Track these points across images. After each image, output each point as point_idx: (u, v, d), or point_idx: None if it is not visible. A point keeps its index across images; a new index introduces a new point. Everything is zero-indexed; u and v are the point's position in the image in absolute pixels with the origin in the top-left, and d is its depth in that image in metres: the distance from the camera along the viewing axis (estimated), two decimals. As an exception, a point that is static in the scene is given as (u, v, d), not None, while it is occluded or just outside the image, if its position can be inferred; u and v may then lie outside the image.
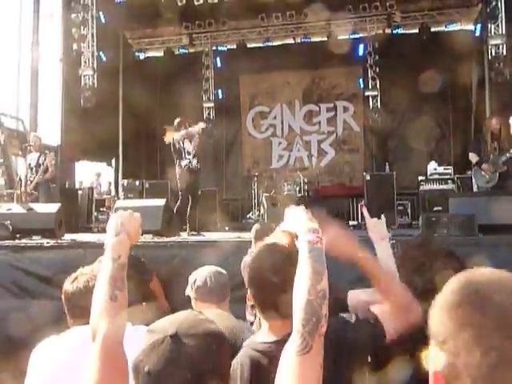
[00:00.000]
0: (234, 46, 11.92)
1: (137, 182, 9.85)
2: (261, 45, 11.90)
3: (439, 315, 0.75)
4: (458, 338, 0.70)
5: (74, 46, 9.69)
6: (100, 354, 1.16)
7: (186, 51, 12.24)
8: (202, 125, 6.80)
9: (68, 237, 5.78)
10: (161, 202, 5.88)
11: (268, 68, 11.62)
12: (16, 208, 5.88)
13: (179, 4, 9.77)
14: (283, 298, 1.40)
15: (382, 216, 1.96)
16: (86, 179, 11.54)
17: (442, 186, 8.50)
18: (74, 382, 1.38)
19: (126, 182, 10.03)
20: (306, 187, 9.38)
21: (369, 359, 1.48)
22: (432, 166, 8.98)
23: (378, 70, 10.81)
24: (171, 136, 6.67)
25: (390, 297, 1.48)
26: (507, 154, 6.07)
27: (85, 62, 9.68)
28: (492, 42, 8.81)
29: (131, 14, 10.19)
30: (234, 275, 2.72)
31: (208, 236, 6.30)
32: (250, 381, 1.38)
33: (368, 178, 8.44)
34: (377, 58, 10.82)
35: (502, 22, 8.72)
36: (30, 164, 7.22)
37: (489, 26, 8.91)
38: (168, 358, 0.97)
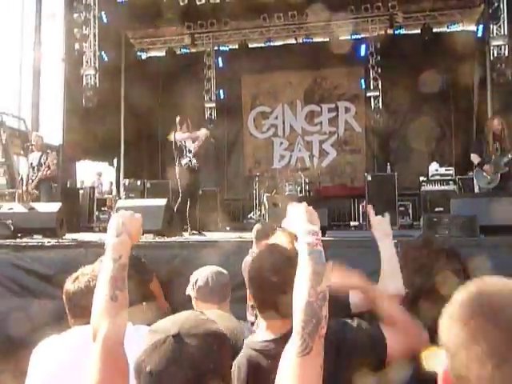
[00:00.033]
0: (236, 46, 11.93)
1: (138, 182, 9.87)
2: (262, 45, 11.91)
3: (450, 325, 0.74)
4: (471, 350, 0.69)
5: (76, 46, 9.69)
6: (101, 354, 1.16)
7: (188, 51, 12.25)
8: (205, 132, 6.80)
9: (69, 236, 5.78)
10: (162, 201, 5.87)
11: (270, 68, 11.62)
12: (17, 207, 5.88)
13: (181, 4, 9.77)
14: (282, 298, 1.40)
15: (386, 214, 1.99)
16: (87, 179, 11.56)
17: (443, 187, 8.50)
18: (75, 382, 1.38)
19: (127, 181, 10.04)
20: (307, 187, 9.38)
21: (369, 361, 1.48)
22: (433, 167, 8.98)
23: (379, 70, 10.81)
24: (173, 135, 6.68)
25: (401, 331, 1.49)
26: (509, 155, 6.06)
27: (87, 62, 9.69)
28: (494, 42, 8.80)
29: (133, 13, 10.20)
30: (234, 275, 2.72)
31: (209, 236, 6.29)
32: (247, 381, 1.38)
33: (369, 178, 8.44)
34: (378, 58, 10.83)
35: (504, 22, 8.71)
36: (31, 163, 7.22)
37: (491, 26, 8.90)
38: (170, 358, 0.97)
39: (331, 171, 11.71)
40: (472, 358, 0.69)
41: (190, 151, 6.60)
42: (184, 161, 6.55)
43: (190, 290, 2.40)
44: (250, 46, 11.83)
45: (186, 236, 6.14)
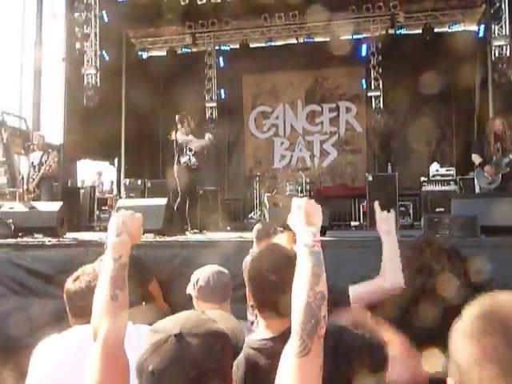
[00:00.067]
0: (237, 46, 11.91)
1: (139, 181, 9.87)
2: (263, 45, 11.89)
3: (463, 342, 0.74)
4: (483, 369, 0.69)
5: (77, 45, 9.69)
6: (101, 354, 1.16)
7: (189, 51, 12.24)
8: (209, 138, 6.80)
9: (70, 235, 5.79)
10: (162, 201, 5.87)
11: (271, 68, 11.61)
12: (18, 206, 5.89)
13: (182, 3, 9.77)
14: (282, 297, 1.41)
15: (392, 211, 2.09)
16: (87, 178, 11.56)
17: (444, 187, 8.50)
18: (75, 382, 1.38)
19: (128, 181, 10.04)
20: (307, 187, 9.37)
21: (366, 363, 1.48)
22: (434, 167, 8.98)
23: (380, 70, 10.79)
24: (174, 134, 6.68)
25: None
26: (510, 156, 6.05)
27: (87, 61, 9.69)
28: (495, 43, 8.79)
29: (134, 13, 10.20)
30: (235, 275, 2.72)
31: (210, 236, 6.29)
32: (245, 380, 1.39)
33: (370, 178, 8.44)
34: (380, 58, 10.81)
35: (505, 22, 8.70)
36: (32, 162, 7.23)
37: (492, 26, 8.89)
38: (172, 358, 0.97)
39: (332, 171, 11.70)
40: (484, 377, 0.69)
41: (190, 149, 6.61)
42: (183, 159, 6.54)
43: (191, 290, 2.40)
44: (251, 45, 11.81)
45: (187, 235, 6.14)
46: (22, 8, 11.80)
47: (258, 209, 9.58)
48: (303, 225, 1.28)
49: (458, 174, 8.80)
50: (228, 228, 8.86)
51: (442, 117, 11.04)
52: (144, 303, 3.56)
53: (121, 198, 9.62)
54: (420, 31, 10.79)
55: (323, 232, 5.33)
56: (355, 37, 11.31)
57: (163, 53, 12.27)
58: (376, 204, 2.12)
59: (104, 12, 9.99)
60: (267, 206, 8.37)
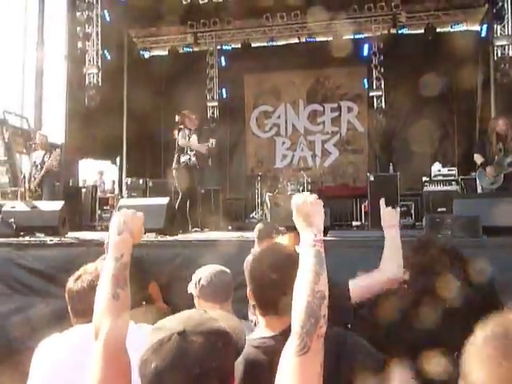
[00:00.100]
0: (239, 46, 11.92)
1: (140, 181, 9.87)
2: (265, 44, 11.89)
3: (478, 365, 0.73)
4: None
5: (79, 45, 9.71)
6: (103, 353, 1.16)
7: (191, 50, 12.24)
8: (208, 146, 6.79)
9: (71, 235, 5.78)
10: (164, 200, 5.87)
11: (272, 67, 11.61)
12: (20, 206, 5.89)
13: (184, 3, 9.78)
14: (282, 296, 1.42)
15: (397, 208, 2.25)
16: (89, 177, 11.57)
17: (445, 187, 8.49)
18: (77, 381, 1.38)
19: (129, 180, 10.05)
20: (309, 187, 9.36)
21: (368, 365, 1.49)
22: (436, 167, 8.96)
23: (382, 70, 10.78)
24: (176, 133, 6.67)
25: None
26: (512, 156, 6.04)
27: (89, 61, 9.70)
28: (498, 42, 8.79)
29: (136, 12, 10.20)
30: (236, 275, 2.71)
31: (211, 235, 6.29)
32: (245, 378, 1.39)
33: (372, 178, 8.43)
34: (381, 58, 10.80)
35: (508, 22, 8.70)
36: (35, 162, 7.23)
37: (495, 26, 8.89)
38: (176, 355, 0.98)
39: (333, 171, 11.70)
40: None
41: (191, 150, 6.59)
42: (183, 158, 6.52)
43: (193, 289, 2.40)
44: (252, 45, 11.81)
45: (188, 235, 6.14)
46: (24, 7, 11.80)
47: (260, 208, 9.58)
48: (305, 224, 1.28)
49: (460, 174, 8.78)
50: (229, 228, 8.84)
51: (443, 117, 11.02)
52: (144, 303, 3.56)
53: (122, 197, 9.63)
54: (422, 31, 10.78)
55: (325, 232, 5.32)
56: (357, 36, 11.31)
57: (165, 52, 12.28)
58: (382, 200, 2.25)
59: (106, 11, 10.01)
60: (268, 205, 8.36)
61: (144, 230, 1.39)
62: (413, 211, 9.05)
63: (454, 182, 8.55)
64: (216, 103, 11.68)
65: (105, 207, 9.91)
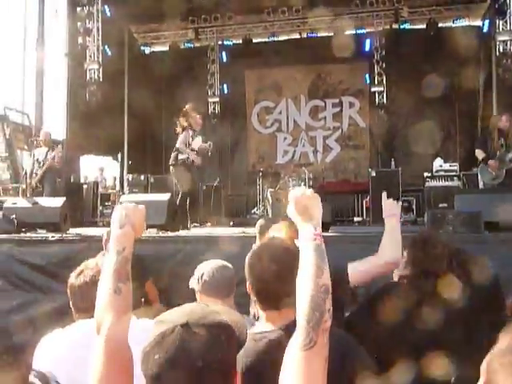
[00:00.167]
0: (240, 41, 11.87)
1: (142, 177, 9.87)
2: (266, 40, 11.85)
3: (504, 375, 0.72)
4: None
5: (80, 40, 9.69)
6: (105, 348, 1.16)
7: (192, 46, 12.20)
8: (209, 144, 6.78)
9: (73, 231, 5.79)
10: (165, 196, 5.87)
11: (273, 63, 11.58)
12: (21, 202, 5.90)
13: (185, -2, 9.75)
14: (282, 287, 1.42)
15: (400, 201, 2.34)
16: (90, 174, 11.58)
17: (447, 183, 8.46)
18: (79, 376, 1.38)
19: (130, 176, 10.05)
20: (310, 183, 9.34)
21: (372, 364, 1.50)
22: (438, 163, 8.94)
23: (384, 65, 10.74)
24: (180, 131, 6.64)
25: None
26: (514, 151, 6.03)
27: (90, 56, 9.68)
28: (500, 38, 8.75)
29: (136, 7, 10.17)
30: (237, 270, 2.71)
31: (212, 231, 6.29)
32: (245, 372, 1.39)
33: (373, 174, 8.42)
34: (383, 53, 10.75)
35: (510, 17, 8.66)
36: (37, 159, 7.24)
37: (497, 21, 8.85)
38: (179, 348, 0.98)
39: (335, 167, 11.69)
40: None
41: (192, 150, 6.54)
42: (182, 156, 6.47)
43: (195, 284, 2.40)
44: (253, 40, 11.76)
45: (189, 231, 6.14)
46: (25, 2, 11.80)
47: (261, 204, 9.58)
48: (304, 218, 1.27)
49: (462, 170, 8.76)
50: (231, 223, 8.85)
51: (445, 113, 10.99)
52: (143, 299, 3.56)
53: (124, 193, 9.63)
54: (424, 26, 10.73)
55: (326, 228, 5.32)
56: (359, 32, 11.26)
57: (166, 48, 12.25)
58: (384, 193, 2.31)
59: (106, 6, 9.98)
60: (270, 201, 8.38)
61: (146, 225, 1.39)
62: (414, 207, 9.03)
63: (455, 178, 8.54)
64: (217, 99, 11.64)
65: (106, 203, 9.92)
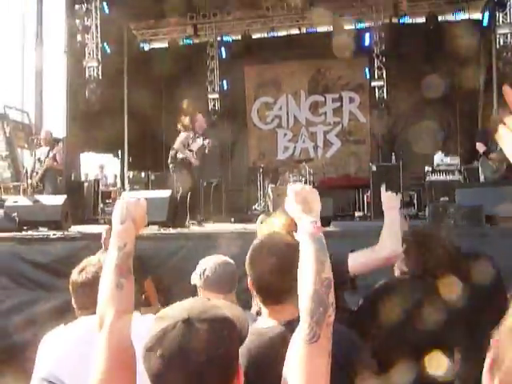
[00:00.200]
0: (239, 37, 11.85)
1: (142, 174, 9.88)
2: (266, 35, 11.83)
3: None
4: None
5: (78, 38, 9.66)
6: (107, 343, 1.16)
7: (191, 42, 12.18)
8: (208, 142, 6.77)
9: (74, 228, 5.80)
10: (166, 193, 5.88)
11: (273, 58, 11.55)
12: (22, 200, 5.91)
13: (184, -6, 9.71)
14: (283, 281, 1.42)
15: (399, 194, 2.32)
16: (91, 171, 11.57)
17: (448, 177, 8.45)
18: (82, 372, 1.38)
19: (131, 173, 10.05)
20: (311, 178, 9.35)
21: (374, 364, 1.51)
22: (439, 157, 8.91)
23: (384, 59, 10.70)
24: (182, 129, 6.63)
25: None
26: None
27: (89, 54, 9.66)
28: (500, 31, 8.72)
29: (135, 4, 10.14)
30: (239, 266, 2.72)
31: (213, 227, 6.30)
32: (247, 368, 1.39)
33: (374, 168, 8.40)
34: (383, 47, 10.71)
35: (510, 10, 8.61)
36: (39, 158, 7.24)
37: (497, 14, 8.81)
38: (181, 343, 0.97)
39: (335, 162, 11.67)
40: None
41: (190, 150, 6.54)
42: (180, 155, 6.47)
43: (197, 280, 2.39)
44: (253, 36, 11.74)
45: (190, 227, 6.15)
46: (24, 2, 11.76)
47: (262, 200, 9.57)
48: (302, 212, 1.27)
49: (463, 164, 8.75)
50: (232, 219, 8.85)
51: (446, 106, 10.95)
52: (143, 297, 3.57)
53: (124, 190, 9.63)
54: (423, 20, 10.69)
55: (328, 223, 5.32)
56: (358, 26, 11.22)
57: (165, 44, 12.22)
58: (383, 186, 2.34)
59: (105, 3, 9.94)
60: (271, 197, 8.37)
61: (147, 220, 1.38)
62: (415, 201, 9.03)
63: (456, 172, 8.52)
64: (217, 95, 11.62)
65: (107, 201, 9.92)
